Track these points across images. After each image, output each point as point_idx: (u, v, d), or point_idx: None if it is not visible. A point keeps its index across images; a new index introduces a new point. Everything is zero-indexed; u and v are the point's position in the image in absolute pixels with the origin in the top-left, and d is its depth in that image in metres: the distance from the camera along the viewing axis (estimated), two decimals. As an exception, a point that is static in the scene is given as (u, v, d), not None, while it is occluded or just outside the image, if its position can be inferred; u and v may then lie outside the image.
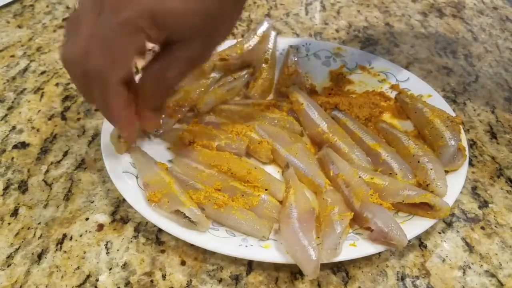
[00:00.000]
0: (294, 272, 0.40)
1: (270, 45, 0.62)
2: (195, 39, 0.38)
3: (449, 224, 0.44)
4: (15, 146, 0.52)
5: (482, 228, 0.44)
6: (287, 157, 0.47)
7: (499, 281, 0.40)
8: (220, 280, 0.39)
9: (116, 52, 0.35)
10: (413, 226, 0.41)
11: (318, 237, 0.39)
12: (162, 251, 0.41)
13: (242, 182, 0.44)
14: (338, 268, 0.40)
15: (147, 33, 0.35)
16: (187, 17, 0.36)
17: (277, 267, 0.40)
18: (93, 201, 0.46)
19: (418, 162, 0.46)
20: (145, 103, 0.40)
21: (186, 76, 0.41)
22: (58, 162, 0.50)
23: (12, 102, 0.58)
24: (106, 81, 0.36)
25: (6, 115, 0.56)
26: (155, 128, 0.50)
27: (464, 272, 0.40)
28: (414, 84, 0.58)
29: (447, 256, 0.42)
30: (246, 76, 0.58)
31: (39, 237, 0.42)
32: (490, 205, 0.46)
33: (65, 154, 0.51)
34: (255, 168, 0.46)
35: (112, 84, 0.36)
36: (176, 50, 0.38)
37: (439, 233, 0.44)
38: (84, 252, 0.41)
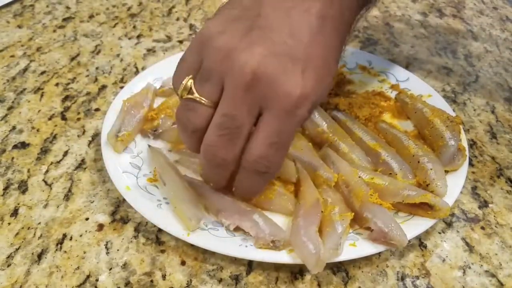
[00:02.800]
0: (294, 272, 0.40)
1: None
2: None
3: (449, 224, 0.44)
4: (15, 146, 0.52)
5: (482, 228, 0.44)
6: (293, 154, 0.47)
7: (499, 281, 0.40)
8: (220, 280, 0.39)
9: (288, 147, 0.38)
10: (413, 226, 0.41)
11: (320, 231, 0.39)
12: (162, 251, 0.41)
13: None
14: (338, 268, 0.40)
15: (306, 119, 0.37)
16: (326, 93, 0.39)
17: (277, 267, 0.40)
18: (93, 201, 0.46)
19: (418, 162, 0.46)
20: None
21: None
22: (58, 162, 0.50)
23: (12, 102, 0.58)
24: (274, 173, 0.39)
25: (6, 115, 0.56)
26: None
27: (464, 272, 0.40)
28: (414, 84, 0.58)
29: (447, 256, 0.42)
30: None
31: (39, 237, 0.42)
32: (490, 205, 0.46)
33: (65, 154, 0.51)
34: None
35: (275, 174, 0.40)
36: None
37: (439, 233, 0.44)
38: (84, 252, 0.41)
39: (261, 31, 0.35)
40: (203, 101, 0.36)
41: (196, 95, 0.36)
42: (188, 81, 0.37)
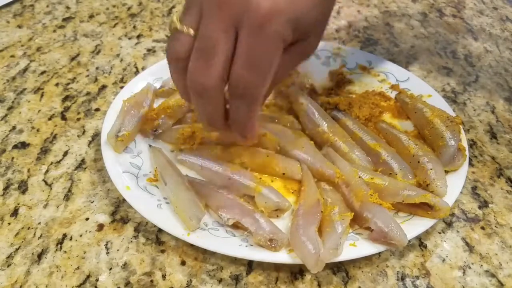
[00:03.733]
0: (294, 272, 0.40)
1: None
2: (315, 35, 0.40)
3: (449, 224, 0.44)
4: (15, 146, 0.52)
5: (482, 228, 0.44)
6: (295, 152, 0.47)
7: (499, 281, 0.40)
8: (220, 280, 0.39)
9: (267, 69, 0.35)
10: (413, 226, 0.41)
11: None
12: (162, 251, 0.41)
13: (258, 172, 0.45)
14: (338, 268, 0.40)
15: (286, 40, 0.35)
16: (318, 16, 0.38)
17: (277, 267, 0.40)
18: (93, 201, 0.46)
19: (418, 162, 0.46)
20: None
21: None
22: (58, 162, 0.50)
23: (12, 102, 0.58)
24: (256, 97, 0.37)
25: (6, 115, 0.56)
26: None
27: (464, 272, 0.40)
28: (414, 84, 0.58)
29: (447, 256, 0.42)
30: None
31: (39, 237, 0.42)
32: (490, 205, 0.46)
33: (65, 154, 0.51)
34: (268, 155, 0.46)
35: (259, 99, 0.37)
36: (297, 47, 0.38)
37: (439, 233, 0.44)
38: (84, 252, 0.41)
39: None
40: (184, 30, 0.36)
41: (178, 25, 0.37)
42: (175, 15, 0.37)
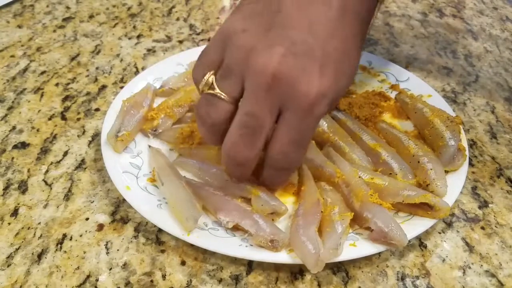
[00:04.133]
0: (294, 272, 0.40)
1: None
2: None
3: (449, 224, 0.44)
4: (15, 146, 0.52)
5: (482, 228, 0.44)
6: None
7: (499, 281, 0.40)
8: (220, 280, 0.39)
9: (308, 144, 0.40)
10: (413, 226, 0.41)
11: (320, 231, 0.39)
12: (162, 251, 0.41)
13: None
14: (338, 268, 0.40)
15: (324, 115, 0.40)
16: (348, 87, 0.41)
17: (277, 267, 0.40)
18: (93, 201, 0.46)
19: (418, 162, 0.46)
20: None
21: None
22: (58, 162, 0.50)
23: (12, 102, 0.58)
24: (295, 169, 0.43)
25: (6, 115, 0.56)
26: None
27: (464, 272, 0.40)
28: (414, 84, 0.58)
29: (447, 256, 0.42)
30: None
31: (39, 237, 0.42)
32: (490, 205, 0.46)
33: (65, 154, 0.51)
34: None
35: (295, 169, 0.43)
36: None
37: (439, 233, 0.44)
38: (84, 252, 0.41)
39: (281, 29, 0.36)
40: (223, 97, 0.38)
41: (217, 90, 0.38)
42: (210, 77, 0.38)
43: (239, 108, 0.37)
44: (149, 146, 0.49)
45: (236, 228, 0.41)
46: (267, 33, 0.36)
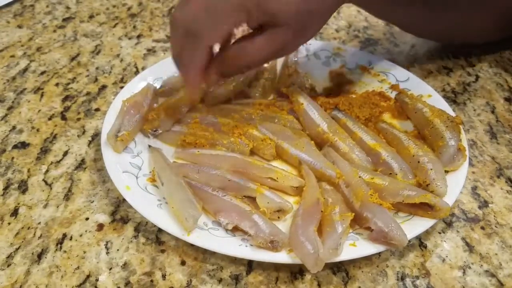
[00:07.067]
0: (294, 272, 0.40)
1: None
2: (290, 28, 0.43)
3: (449, 224, 0.44)
4: (15, 146, 0.52)
5: (482, 228, 0.44)
6: (295, 152, 0.47)
7: (499, 281, 0.40)
8: (220, 280, 0.39)
9: (219, 20, 0.41)
10: (413, 226, 0.41)
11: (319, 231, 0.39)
12: (162, 251, 0.41)
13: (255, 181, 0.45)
14: (338, 268, 0.40)
15: (250, 13, 0.40)
16: (290, 6, 0.41)
17: (277, 267, 0.40)
18: (93, 201, 0.46)
19: (418, 162, 0.46)
20: (220, 67, 0.45)
21: (266, 62, 0.48)
22: (58, 162, 0.50)
23: (12, 102, 0.58)
24: (200, 41, 0.42)
25: (6, 115, 0.56)
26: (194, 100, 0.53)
27: (464, 272, 0.40)
28: (414, 84, 0.58)
29: (447, 256, 0.42)
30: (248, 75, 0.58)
31: (39, 237, 0.42)
32: (490, 205, 0.46)
33: (65, 154, 0.51)
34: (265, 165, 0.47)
35: (203, 45, 0.42)
36: (269, 34, 0.43)
37: (439, 233, 0.44)
38: (84, 252, 0.41)
39: None
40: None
41: None
42: None
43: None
44: (149, 146, 0.49)
45: (236, 229, 0.41)
46: None
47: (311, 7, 0.42)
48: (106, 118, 0.50)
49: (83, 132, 0.53)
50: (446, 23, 0.58)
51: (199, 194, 0.43)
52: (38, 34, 0.71)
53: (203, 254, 0.41)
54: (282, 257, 0.38)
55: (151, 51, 0.68)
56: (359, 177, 0.44)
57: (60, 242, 0.42)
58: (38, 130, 0.54)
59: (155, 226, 0.42)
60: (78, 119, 0.55)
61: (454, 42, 0.66)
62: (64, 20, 0.75)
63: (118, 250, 0.41)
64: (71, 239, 0.42)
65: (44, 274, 0.39)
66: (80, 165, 0.49)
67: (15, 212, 0.44)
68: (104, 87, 0.61)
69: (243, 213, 0.41)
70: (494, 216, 0.45)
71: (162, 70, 0.58)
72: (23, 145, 0.52)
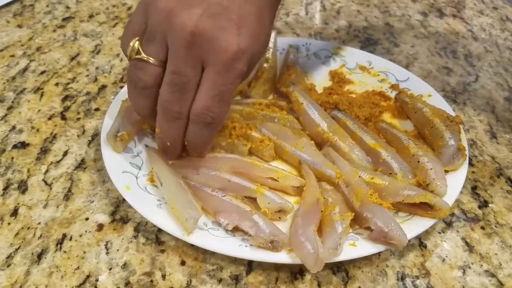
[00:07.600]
0: (294, 272, 0.40)
1: (271, 45, 0.61)
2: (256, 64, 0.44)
3: (449, 224, 0.44)
4: (15, 146, 0.52)
5: (482, 228, 0.44)
6: (295, 152, 0.47)
7: (499, 281, 0.40)
8: (220, 280, 0.39)
9: (230, 100, 0.41)
10: (413, 226, 0.41)
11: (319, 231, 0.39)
12: (162, 251, 0.41)
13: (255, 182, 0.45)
14: (338, 268, 0.40)
15: (243, 74, 0.40)
16: (263, 50, 0.43)
17: (277, 267, 0.40)
18: (93, 201, 0.46)
19: (418, 162, 0.46)
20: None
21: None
22: (58, 162, 0.50)
23: (12, 102, 0.58)
24: (219, 124, 0.42)
25: (6, 115, 0.56)
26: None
27: (464, 272, 0.40)
28: (414, 84, 0.58)
29: (447, 256, 0.42)
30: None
31: (39, 237, 0.42)
32: (490, 205, 0.46)
33: (65, 154, 0.51)
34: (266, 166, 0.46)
35: (220, 126, 0.43)
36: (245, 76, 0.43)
37: (439, 233, 0.44)
38: (84, 252, 0.41)
39: None
40: (150, 60, 0.40)
41: (143, 55, 0.40)
42: (135, 43, 0.40)
43: (166, 68, 0.40)
44: (146, 146, 0.49)
45: (236, 229, 0.41)
46: None
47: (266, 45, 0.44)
48: (106, 118, 0.50)
49: (83, 132, 0.53)
50: None
51: (199, 194, 0.43)
52: (38, 34, 0.71)
53: (203, 254, 0.41)
54: (282, 257, 0.38)
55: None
56: (359, 177, 0.44)
57: (60, 242, 0.42)
58: (38, 130, 0.54)
59: (155, 226, 0.42)
60: (78, 119, 0.55)
61: None
62: (64, 19, 0.75)
63: (118, 250, 0.41)
64: (71, 239, 0.42)
65: (44, 274, 0.39)
66: (80, 165, 0.49)
67: (15, 212, 0.44)
68: (104, 87, 0.61)
69: (243, 213, 0.41)
70: (494, 216, 0.45)
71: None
72: (23, 145, 0.52)
